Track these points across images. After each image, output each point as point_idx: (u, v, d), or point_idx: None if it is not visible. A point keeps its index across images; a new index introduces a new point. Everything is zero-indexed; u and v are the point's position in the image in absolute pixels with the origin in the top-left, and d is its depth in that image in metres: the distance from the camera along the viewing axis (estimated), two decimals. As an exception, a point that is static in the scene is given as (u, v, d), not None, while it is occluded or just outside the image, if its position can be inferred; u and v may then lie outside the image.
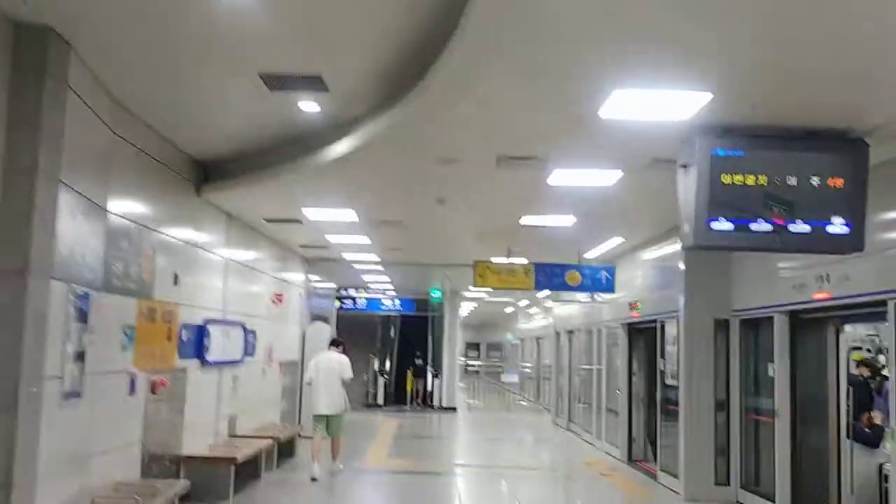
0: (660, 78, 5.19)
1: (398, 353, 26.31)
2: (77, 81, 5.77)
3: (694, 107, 5.58)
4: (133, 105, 6.97)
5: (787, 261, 8.54)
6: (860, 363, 9.40)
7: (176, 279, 8.43)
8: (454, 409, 22.98)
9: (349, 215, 10.47)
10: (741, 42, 4.68)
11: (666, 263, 11.35)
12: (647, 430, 12.99)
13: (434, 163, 7.50)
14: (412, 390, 24.57)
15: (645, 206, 9.67)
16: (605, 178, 7.93)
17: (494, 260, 12.99)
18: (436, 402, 23.47)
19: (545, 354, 25.89)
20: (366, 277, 20.09)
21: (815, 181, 5.91)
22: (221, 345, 9.98)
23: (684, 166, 6.05)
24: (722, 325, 10.10)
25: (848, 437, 8.33)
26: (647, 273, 12.53)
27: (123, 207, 7.10)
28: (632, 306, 12.92)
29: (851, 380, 8.63)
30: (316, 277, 16.68)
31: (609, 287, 13.06)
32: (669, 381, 10.91)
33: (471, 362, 33.13)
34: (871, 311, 7.38)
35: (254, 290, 12.00)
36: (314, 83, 6.14)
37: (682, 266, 10.31)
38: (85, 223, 6.28)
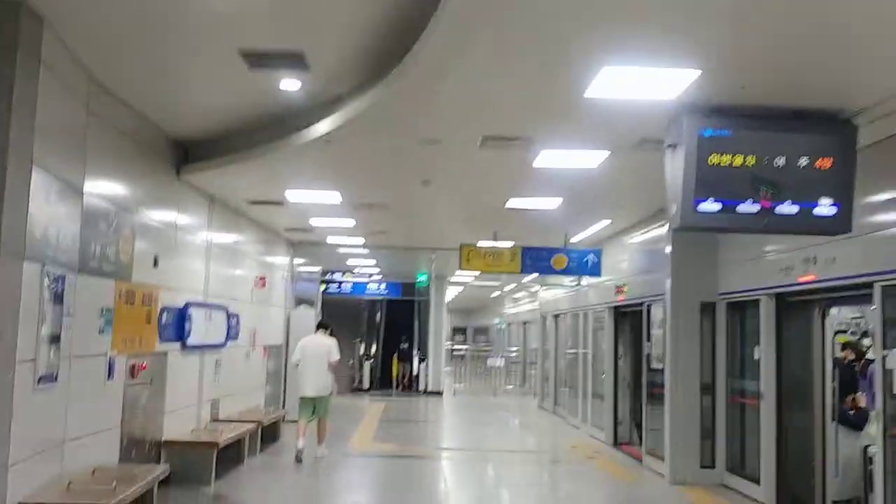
0: (648, 55, 5.10)
1: (384, 337, 26.24)
2: (50, 57, 5.62)
3: (682, 84, 5.49)
4: (110, 83, 6.82)
5: (773, 243, 8.49)
6: (845, 346, 9.40)
7: (156, 261, 8.30)
8: (440, 393, 22.96)
9: (333, 197, 10.35)
10: (730, 19, 4.59)
11: (652, 247, 11.30)
12: (633, 413, 12.98)
13: (418, 143, 7.39)
14: (398, 375, 24.54)
15: (632, 188, 9.60)
16: (591, 159, 7.84)
17: (480, 243, 12.91)
18: (422, 387, 23.44)
19: (532, 339, 25.90)
20: (351, 261, 19.98)
21: (802, 162, 5.85)
22: (203, 328, 9.85)
23: (672, 146, 5.97)
24: (708, 308, 10.05)
25: (833, 419, 8.32)
26: (633, 256, 12.48)
27: (101, 188, 6.96)
28: (618, 290, 12.88)
29: (836, 363, 8.61)
30: (301, 261, 16.55)
31: (595, 271, 13.01)
32: (655, 365, 10.88)
33: (457, 347, 33.08)
34: (858, 293, 7.33)
35: (237, 273, 11.87)
36: (295, 61, 6.02)
37: (668, 249, 10.25)
38: (60, 204, 6.15)
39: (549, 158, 7.81)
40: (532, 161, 7.90)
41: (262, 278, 13.11)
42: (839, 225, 5.97)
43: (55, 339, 5.97)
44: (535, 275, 19.04)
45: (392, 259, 19.46)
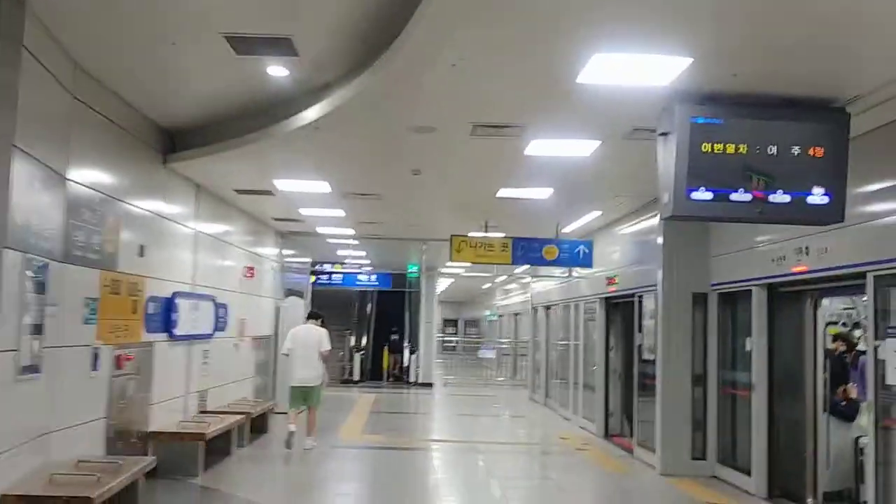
0: (640, 42, 5.03)
1: (375, 329, 26.17)
2: (33, 42, 5.52)
3: (674, 72, 5.42)
4: (95, 69, 6.72)
5: (765, 234, 8.45)
6: (836, 338, 9.37)
7: (142, 251, 8.20)
8: (430, 384, 22.91)
9: (322, 187, 10.25)
10: (722, 6, 4.52)
11: (644, 237, 11.25)
12: (624, 404, 12.95)
13: (408, 131, 7.30)
14: (389, 366, 24.47)
15: (623, 178, 9.54)
16: (583, 148, 7.77)
17: (471, 234, 12.85)
18: (412, 378, 23.39)
19: (523, 330, 25.88)
20: (341, 252, 19.89)
21: (795, 150, 5.80)
22: (191, 319, 9.76)
23: (664, 134, 5.90)
24: (700, 299, 10.01)
25: (825, 410, 8.29)
26: (624, 247, 12.43)
27: (85, 176, 6.86)
28: (609, 281, 12.84)
29: (827, 354, 8.58)
30: (290, 252, 16.44)
31: (587, 262, 12.97)
32: (646, 356, 10.84)
33: (448, 338, 33.12)
34: (850, 283, 7.31)
35: (225, 263, 11.77)
36: (283, 46, 5.92)
37: (660, 240, 10.20)
38: (43, 191, 6.06)
39: (541, 147, 7.74)
40: (523, 150, 7.82)
41: (251, 269, 13.01)
42: (832, 214, 5.92)
43: (38, 329, 5.89)
44: (527, 266, 19.01)
45: (382, 250, 19.38)
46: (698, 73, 5.46)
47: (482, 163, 8.78)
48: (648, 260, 10.75)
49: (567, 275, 15.59)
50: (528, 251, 12.84)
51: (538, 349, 19.54)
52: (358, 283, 23.94)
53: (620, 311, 12.98)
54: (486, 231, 12.90)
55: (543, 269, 17.80)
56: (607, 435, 13.10)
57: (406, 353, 24.26)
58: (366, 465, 10.86)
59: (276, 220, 13.84)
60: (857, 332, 10.32)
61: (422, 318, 23.74)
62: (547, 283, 18.41)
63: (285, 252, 15.99)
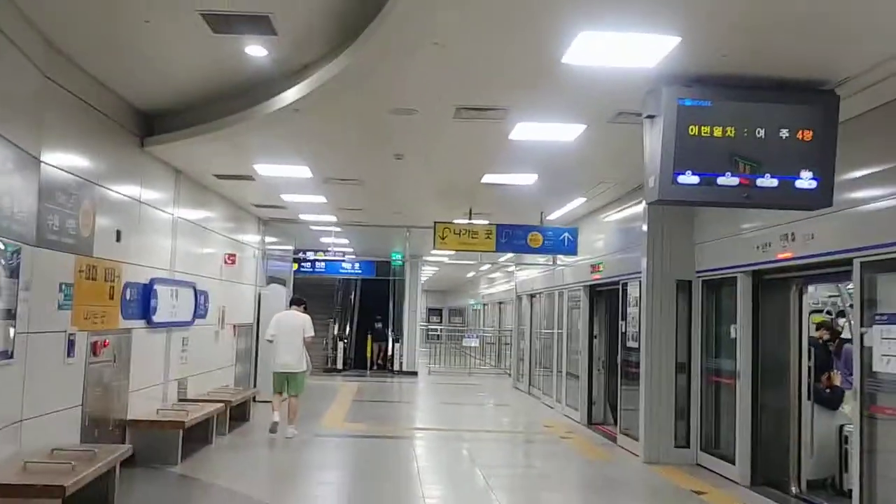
0: (627, 19, 4.92)
1: (358, 317, 26.05)
2: (4, 20, 5.36)
3: (661, 52, 5.32)
4: (69, 49, 6.55)
5: (751, 220, 8.38)
6: (819, 326, 9.36)
7: (119, 236, 8.04)
8: (415, 373, 22.83)
9: (303, 172, 10.10)
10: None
11: (628, 225, 11.18)
12: (608, 392, 12.92)
13: (389, 114, 7.15)
14: (372, 355, 24.37)
15: (608, 164, 9.46)
16: (567, 132, 7.67)
17: (456, 221, 12.75)
18: (396, 367, 23.30)
19: (507, 319, 25.83)
20: (324, 240, 19.73)
21: (783, 133, 5.72)
22: (170, 305, 9.61)
23: (650, 117, 5.80)
24: (684, 287, 9.96)
25: (809, 398, 8.26)
26: (609, 235, 12.36)
27: (59, 158, 6.70)
28: (594, 268, 12.77)
29: (811, 342, 8.55)
30: (272, 239, 16.27)
31: (571, 249, 12.93)
32: (631, 344, 10.78)
33: (433, 327, 33.06)
34: (836, 270, 7.26)
35: (205, 250, 11.60)
36: (261, 24, 5.77)
37: (644, 227, 10.12)
38: (15, 173, 5.91)
39: (525, 131, 7.62)
40: (508, 134, 7.71)
41: (232, 256, 12.85)
42: (820, 199, 5.84)
43: (10, 315, 5.75)
44: (511, 254, 18.95)
45: (366, 238, 19.25)
46: (686, 54, 5.36)
47: (466, 147, 8.66)
48: (633, 247, 10.69)
49: (551, 262, 15.55)
50: (512, 238, 12.79)
51: (522, 338, 19.49)
52: (341, 271, 23.78)
53: (605, 298, 12.93)
54: (470, 218, 12.80)
55: (528, 257, 17.76)
56: (591, 423, 13.06)
57: (390, 341, 24.17)
58: (348, 454, 10.76)
59: (258, 206, 13.67)
60: (842, 321, 10.33)
61: (406, 307, 23.63)
62: (531, 272, 18.36)
63: (267, 239, 15.82)
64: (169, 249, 9.86)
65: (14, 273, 5.81)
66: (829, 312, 10.99)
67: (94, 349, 7.47)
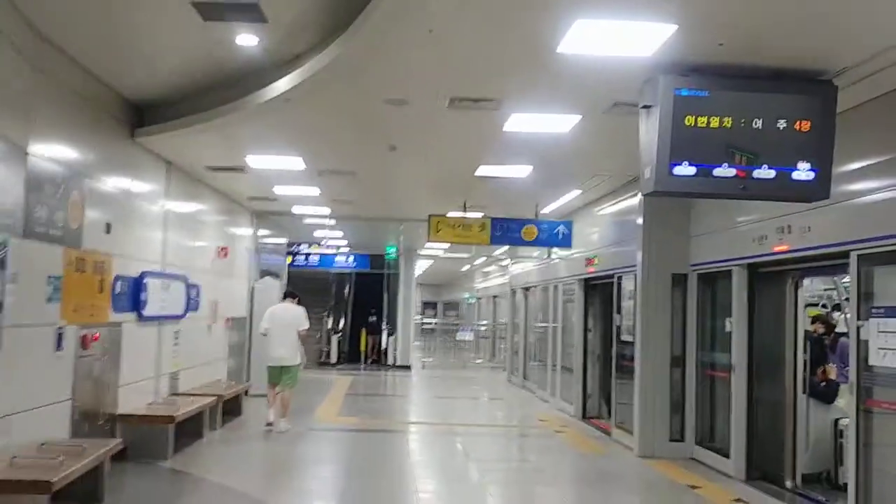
0: (624, 7, 4.83)
1: (352, 311, 25.98)
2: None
3: (658, 40, 5.23)
4: (58, 38, 6.47)
5: (747, 213, 8.33)
6: (814, 320, 9.31)
7: (108, 228, 7.95)
8: (409, 367, 22.77)
9: (295, 163, 10.00)
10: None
11: (623, 218, 11.12)
12: (602, 386, 12.87)
13: (382, 104, 7.05)
14: (366, 348, 24.31)
15: (603, 156, 9.38)
16: (563, 123, 7.59)
17: (450, 214, 12.67)
18: (390, 361, 23.23)
19: (501, 313, 25.78)
20: (318, 233, 19.63)
21: (781, 124, 5.65)
22: (161, 299, 9.52)
23: (647, 107, 5.73)
24: (679, 280, 9.89)
25: (804, 392, 8.22)
26: (604, 228, 12.30)
27: (48, 150, 6.62)
28: (588, 262, 12.71)
29: (806, 336, 8.50)
30: (266, 232, 16.17)
31: (566, 242, 12.86)
32: (625, 337, 10.72)
33: (427, 321, 33.07)
34: (833, 263, 7.20)
35: (197, 243, 11.50)
36: (252, 12, 5.70)
37: (639, 220, 10.05)
38: (1, 164, 5.82)
39: (520, 122, 7.54)
40: (502, 125, 7.62)
41: (224, 249, 12.75)
42: (818, 190, 5.77)
43: (-3, 307, 5.67)
44: (506, 247, 18.90)
45: (360, 231, 19.16)
46: (683, 43, 5.28)
47: (460, 139, 8.58)
48: (628, 240, 10.62)
49: (546, 256, 15.48)
50: (506, 231, 12.72)
51: (516, 331, 19.44)
52: (335, 264, 23.71)
53: (599, 292, 12.88)
54: (464, 211, 12.72)
55: (522, 251, 17.71)
56: (585, 417, 13.02)
57: (384, 335, 24.09)
58: (341, 448, 10.69)
59: (251, 199, 13.57)
60: (837, 315, 10.29)
61: (400, 300, 23.55)
62: (525, 265, 18.30)
63: (261, 232, 15.72)
64: (160, 242, 9.77)
65: (1, 265, 5.72)
66: (824, 306, 10.95)
67: (84, 343, 7.39)
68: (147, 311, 9.02)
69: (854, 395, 6.43)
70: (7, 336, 5.84)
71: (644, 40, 5.28)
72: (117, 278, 8.22)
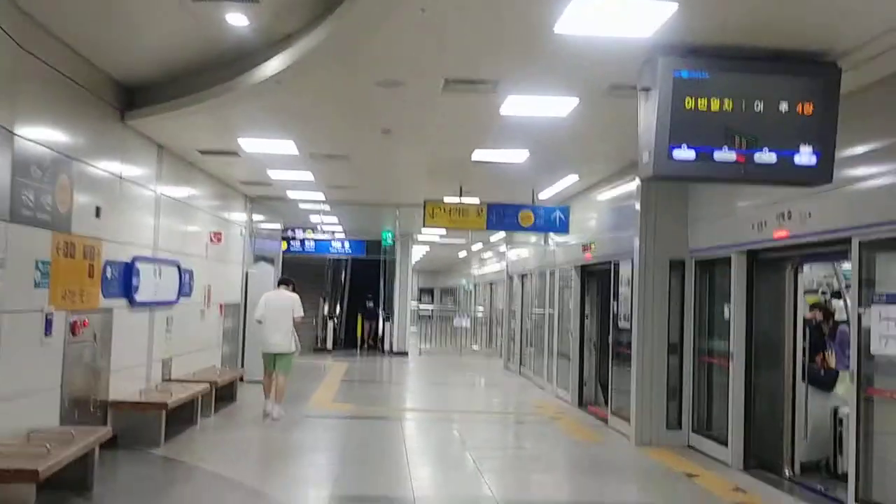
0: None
1: (349, 297, 25.88)
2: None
3: (657, 20, 5.10)
4: (44, 18, 6.30)
5: (747, 198, 8.21)
6: (813, 307, 9.23)
7: (98, 212, 7.82)
8: (405, 353, 22.69)
9: (288, 147, 9.86)
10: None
11: (621, 204, 11.00)
12: (599, 373, 12.80)
13: (375, 86, 6.91)
14: (363, 334, 24.24)
15: (601, 140, 9.25)
16: (560, 106, 7.45)
17: (446, 199, 12.54)
18: (386, 347, 23.16)
19: (498, 299, 25.68)
20: (314, 218, 19.50)
21: (783, 107, 5.52)
22: (153, 284, 9.40)
23: (645, 89, 5.59)
24: (677, 266, 9.78)
25: (803, 379, 8.13)
26: (601, 214, 12.18)
27: (34, 132, 6.49)
28: (585, 248, 12.60)
29: (805, 323, 8.41)
30: (260, 217, 16.04)
31: (563, 228, 12.76)
32: (622, 324, 10.63)
33: (424, 307, 33.00)
34: (833, 249, 7.10)
35: (190, 228, 11.37)
36: (241, -9, 5.54)
37: (637, 206, 9.93)
38: (-15, 145, 5.69)
39: (517, 105, 7.40)
40: (499, 108, 7.48)
41: (217, 234, 12.62)
42: (820, 175, 5.65)
43: (-20, 292, 5.56)
44: (503, 234, 18.78)
45: (355, 216, 19.02)
46: (683, 23, 5.14)
47: (456, 122, 8.44)
48: (625, 226, 10.51)
49: (543, 242, 15.37)
50: (503, 217, 12.62)
51: (513, 318, 19.36)
52: (331, 250, 23.59)
53: (597, 279, 12.78)
54: (460, 196, 12.60)
55: (519, 236, 17.60)
56: (582, 404, 12.94)
57: (381, 320, 24.01)
58: (336, 435, 10.60)
59: (245, 183, 13.43)
60: (835, 302, 10.20)
61: (397, 286, 23.45)
62: (522, 252, 18.19)
63: (255, 217, 15.58)
64: (152, 227, 9.65)
65: (-15, 249, 5.60)
66: (823, 293, 10.86)
67: (74, 329, 7.27)
68: (139, 297, 8.91)
69: (855, 384, 6.35)
70: (-7, 321, 5.74)
71: (643, 20, 5.14)
72: (108, 263, 8.10)
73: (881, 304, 6.03)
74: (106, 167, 8.12)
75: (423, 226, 12.76)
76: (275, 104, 7.79)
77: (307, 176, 12.20)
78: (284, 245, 20.39)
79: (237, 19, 6.12)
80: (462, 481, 8.21)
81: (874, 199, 6.17)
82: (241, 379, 13.10)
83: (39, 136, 6.58)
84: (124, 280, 8.61)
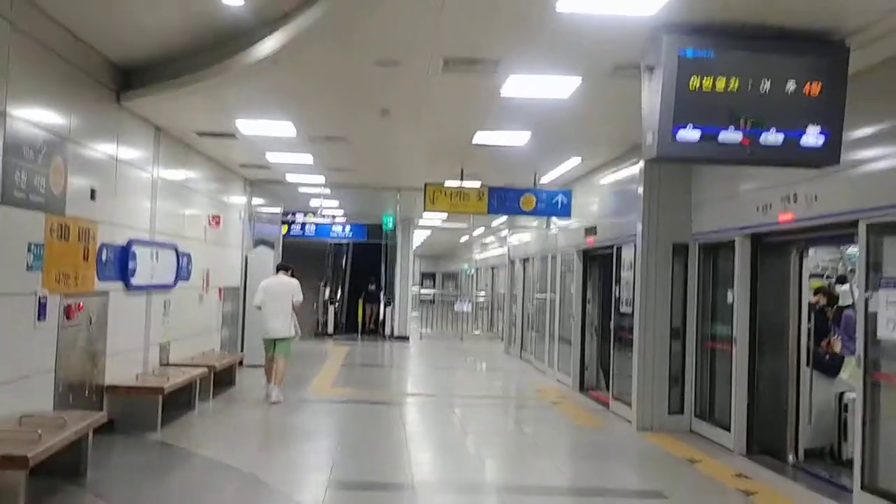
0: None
1: (350, 281, 25.78)
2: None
3: (662, -2, 4.96)
4: (37, -2, 6.17)
5: (750, 181, 8.09)
6: (817, 291, 9.13)
7: (93, 194, 7.71)
8: (406, 338, 22.62)
9: (287, 129, 9.72)
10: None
11: (624, 187, 10.87)
12: (601, 358, 12.71)
13: (374, 65, 6.77)
14: (364, 318, 24.16)
15: (603, 122, 9.11)
16: (562, 87, 7.31)
17: (447, 183, 12.41)
18: (388, 332, 23.09)
19: (500, 284, 25.60)
20: (314, 202, 19.37)
21: (790, 86, 5.39)
22: (150, 267, 9.31)
23: (650, 69, 5.46)
24: (680, 250, 9.66)
25: (808, 364, 8.03)
26: (604, 197, 12.06)
27: (27, 113, 6.38)
28: (588, 232, 12.49)
29: (809, 307, 8.31)
30: (260, 201, 15.92)
31: (565, 211, 12.64)
32: (624, 309, 10.53)
33: (425, 291, 32.96)
34: (840, 233, 6.98)
35: (188, 211, 11.25)
36: (235, -33, 5.41)
37: (640, 189, 9.80)
38: (-25, 125, 5.57)
39: (518, 85, 7.25)
40: (499, 88, 7.33)
41: (216, 217, 12.51)
42: (827, 156, 5.54)
43: (-29, 275, 5.46)
44: (504, 218, 18.65)
45: (356, 199, 18.90)
46: (687, 1, 5.00)
47: (456, 103, 8.31)
48: (628, 210, 10.38)
49: (545, 226, 15.26)
50: (504, 201, 12.51)
51: (515, 302, 19.27)
52: (332, 234, 23.48)
53: (599, 263, 12.67)
54: (461, 180, 12.46)
55: (521, 220, 17.48)
56: (583, 389, 12.86)
57: (382, 304, 23.93)
58: (336, 420, 10.52)
59: (243, 166, 13.30)
60: (841, 287, 10.09)
61: (398, 271, 23.35)
62: (524, 236, 18.07)
63: (255, 201, 15.46)
64: (149, 210, 9.54)
65: (-24, 231, 5.50)
66: (828, 277, 10.75)
67: (68, 312, 7.18)
68: (135, 281, 8.82)
69: (861, 369, 6.24)
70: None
71: (647, -4, 5.01)
72: (103, 246, 8.00)
73: (888, 289, 5.92)
74: (102, 149, 8.00)
75: (424, 209, 12.64)
76: (272, 84, 7.66)
77: (306, 159, 12.07)
78: (285, 229, 20.27)
79: (232, -3, 5.99)
80: (462, 466, 8.13)
81: (882, 182, 6.05)
82: (241, 363, 13.03)
83: (33, 116, 6.47)
84: (120, 263, 8.51)
